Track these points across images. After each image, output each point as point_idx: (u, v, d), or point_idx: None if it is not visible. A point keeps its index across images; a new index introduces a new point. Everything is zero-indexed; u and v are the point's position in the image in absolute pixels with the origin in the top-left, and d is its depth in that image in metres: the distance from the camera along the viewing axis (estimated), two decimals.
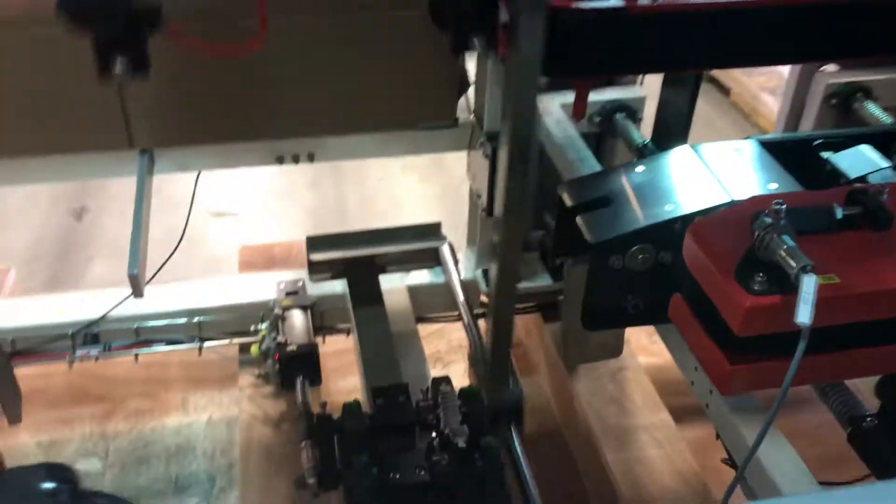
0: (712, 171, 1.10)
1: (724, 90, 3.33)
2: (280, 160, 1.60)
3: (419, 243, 1.58)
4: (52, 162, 1.53)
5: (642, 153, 1.45)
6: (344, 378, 1.85)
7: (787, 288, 0.77)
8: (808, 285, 0.72)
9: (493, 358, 1.29)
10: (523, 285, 1.77)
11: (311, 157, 1.61)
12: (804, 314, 0.72)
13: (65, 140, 1.47)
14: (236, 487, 1.58)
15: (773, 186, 1.06)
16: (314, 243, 1.56)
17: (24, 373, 1.82)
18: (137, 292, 1.32)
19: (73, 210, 2.59)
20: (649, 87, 1.63)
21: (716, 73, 3.31)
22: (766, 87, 3.09)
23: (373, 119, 1.57)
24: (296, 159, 1.61)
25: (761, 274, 0.79)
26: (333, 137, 1.60)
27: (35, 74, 1.40)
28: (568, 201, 1.11)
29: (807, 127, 1.57)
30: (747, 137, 1.16)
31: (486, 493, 1.20)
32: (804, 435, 1.74)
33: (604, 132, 1.63)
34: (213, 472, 1.67)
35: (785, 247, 0.77)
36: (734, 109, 3.27)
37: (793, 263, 0.75)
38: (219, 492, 1.64)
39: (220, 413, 1.81)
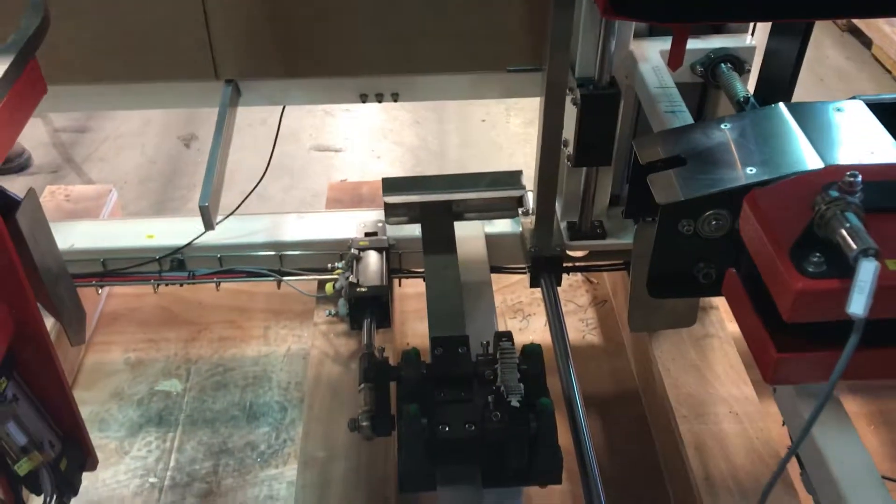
0: (807, 134, 0.99)
1: (866, 41, 3.05)
2: (364, 98, 1.57)
3: (497, 191, 1.53)
4: (142, 89, 1.55)
5: (742, 108, 1.33)
6: (422, 321, 1.85)
7: (847, 272, 0.67)
8: (867, 272, 0.63)
9: (538, 212, 1.44)
10: (611, 241, 1.69)
11: (395, 97, 1.57)
12: (858, 304, 0.63)
13: (152, 69, 1.48)
14: None
15: (873, 154, 0.95)
16: (390, 185, 1.53)
17: (118, 292, 1.92)
18: (208, 225, 1.33)
19: (183, 137, 2.67)
20: (761, 36, 1.50)
21: (857, 21, 3.04)
22: None
23: (459, 60, 1.51)
24: (379, 98, 1.57)
25: (818, 254, 0.70)
26: (418, 77, 1.55)
27: (125, 3, 1.41)
28: (641, 158, 1.03)
29: None
30: (853, 97, 1.04)
31: (536, 454, 1.17)
32: None
33: (707, 83, 1.51)
34: (285, 404, 1.71)
35: (847, 225, 0.67)
36: (875, 63, 3.00)
37: (853, 245, 0.66)
38: (289, 423, 1.67)
39: (298, 345, 1.84)
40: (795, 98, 1.34)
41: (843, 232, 0.68)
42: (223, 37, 1.45)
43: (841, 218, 0.69)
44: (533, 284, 1.54)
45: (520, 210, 1.57)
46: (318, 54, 1.48)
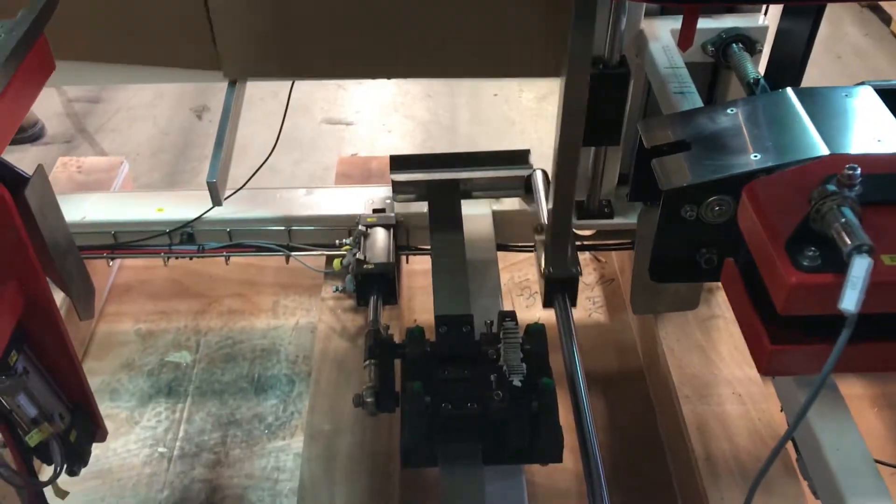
0: (813, 120, 0.98)
1: (885, 18, 3.01)
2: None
3: (505, 169, 1.53)
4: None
5: (753, 90, 1.32)
6: (430, 297, 1.85)
7: (842, 266, 0.68)
8: (859, 268, 0.63)
9: (552, 231, 1.33)
10: (619, 221, 1.69)
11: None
12: (850, 300, 0.63)
13: (159, 59, 1.46)
14: None
15: (880, 141, 0.94)
16: (398, 163, 1.54)
17: (129, 264, 1.94)
18: (216, 201, 1.34)
19: (195, 108, 2.68)
20: (774, 16, 1.48)
21: None
22: None
23: (472, 64, 1.45)
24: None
25: (814, 248, 0.70)
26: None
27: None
28: (645, 142, 1.03)
29: None
30: (861, 83, 1.03)
31: (537, 434, 1.18)
32: None
33: (717, 63, 1.50)
34: (293, 377, 1.73)
35: (842, 220, 0.67)
36: (894, 40, 2.95)
37: (847, 241, 0.66)
38: (296, 396, 1.69)
39: (306, 319, 1.86)
40: (811, 76, 1.33)
41: (838, 227, 0.68)
42: (228, 36, 1.40)
43: (836, 213, 0.69)
44: (546, 305, 1.44)
45: (534, 230, 1.52)
46: (325, 57, 1.43)
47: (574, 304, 1.40)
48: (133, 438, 1.61)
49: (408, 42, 1.41)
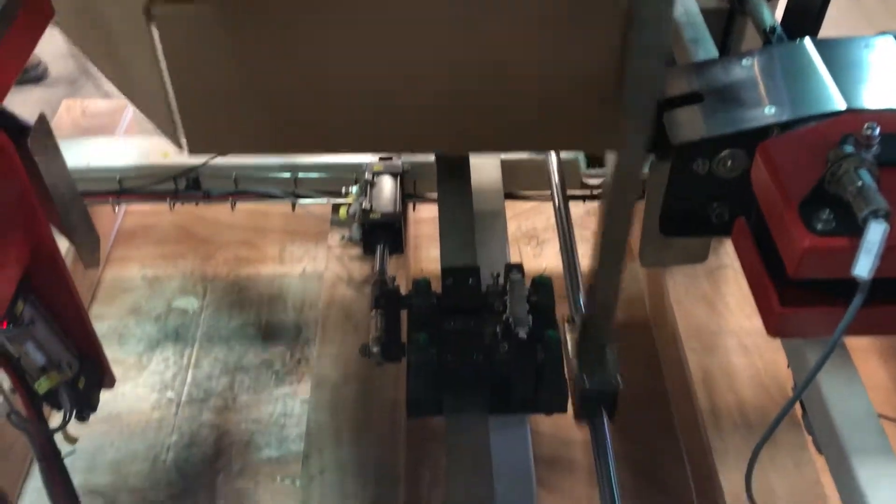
0: (832, 72, 0.96)
1: None
2: None
3: None
4: None
5: (769, 38, 1.29)
6: (437, 247, 1.85)
7: (856, 230, 0.66)
8: (875, 234, 0.62)
9: (589, 332, 1.09)
10: None
11: None
12: (864, 266, 0.62)
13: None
14: None
15: None
16: None
17: (134, 210, 1.93)
18: None
19: None
20: None
21: None
22: None
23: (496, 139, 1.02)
24: None
25: (828, 211, 0.68)
26: None
27: None
28: None
29: None
30: (884, 32, 1.00)
31: (542, 385, 1.18)
32: None
33: (733, 8, 1.46)
34: (300, 324, 1.74)
35: (859, 183, 0.66)
36: None
37: (863, 205, 0.65)
38: (303, 342, 1.70)
39: (314, 267, 1.85)
40: (829, 17, 1.29)
41: (854, 191, 0.66)
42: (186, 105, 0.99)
43: (853, 176, 0.67)
44: (578, 418, 1.19)
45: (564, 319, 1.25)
46: (308, 131, 1.01)
47: (612, 418, 1.14)
48: (141, 383, 1.63)
49: (431, 118, 1.00)
